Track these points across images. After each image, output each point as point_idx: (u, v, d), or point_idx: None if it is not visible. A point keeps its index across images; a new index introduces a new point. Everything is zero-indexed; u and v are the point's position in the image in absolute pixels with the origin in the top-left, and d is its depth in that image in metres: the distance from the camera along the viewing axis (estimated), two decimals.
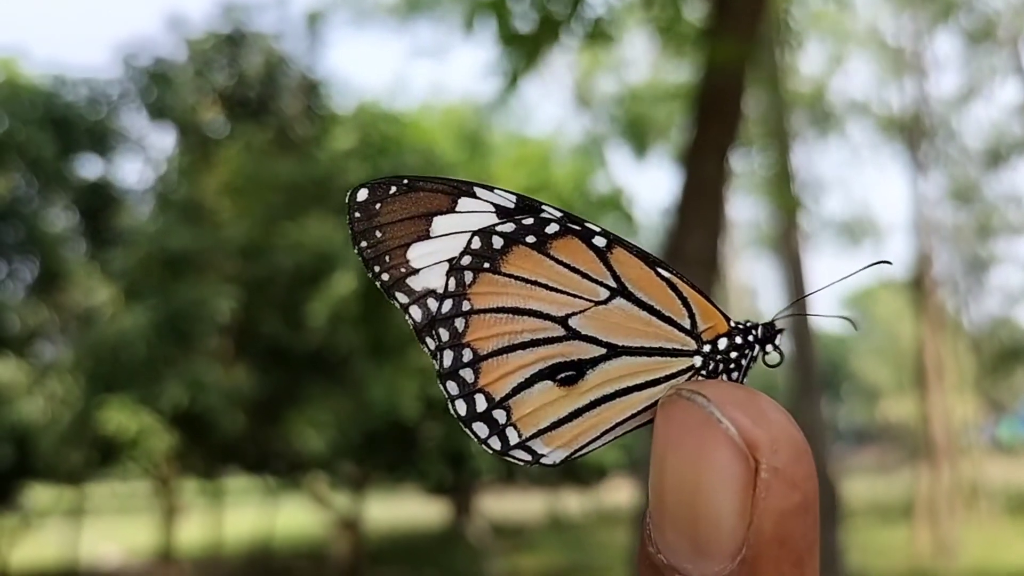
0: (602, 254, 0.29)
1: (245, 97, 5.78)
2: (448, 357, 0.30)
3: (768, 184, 5.55)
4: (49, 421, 5.10)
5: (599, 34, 2.60)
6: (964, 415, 8.88)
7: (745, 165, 6.75)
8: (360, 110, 6.40)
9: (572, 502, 11.19)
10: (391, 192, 0.31)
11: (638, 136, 6.82)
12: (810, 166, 8.56)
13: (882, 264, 0.34)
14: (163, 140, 7.12)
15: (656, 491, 0.21)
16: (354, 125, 5.98)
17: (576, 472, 7.91)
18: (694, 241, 2.31)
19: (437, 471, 6.13)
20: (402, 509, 10.20)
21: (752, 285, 13.42)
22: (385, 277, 0.31)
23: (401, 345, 5.03)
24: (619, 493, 8.65)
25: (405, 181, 0.31)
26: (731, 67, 2.30)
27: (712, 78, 2.35)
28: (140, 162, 6.56)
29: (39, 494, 7.60)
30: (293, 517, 9.42)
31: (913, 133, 7.45)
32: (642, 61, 7.56)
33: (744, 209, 9.79)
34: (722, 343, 0.29)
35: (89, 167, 6.61)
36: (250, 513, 9.02)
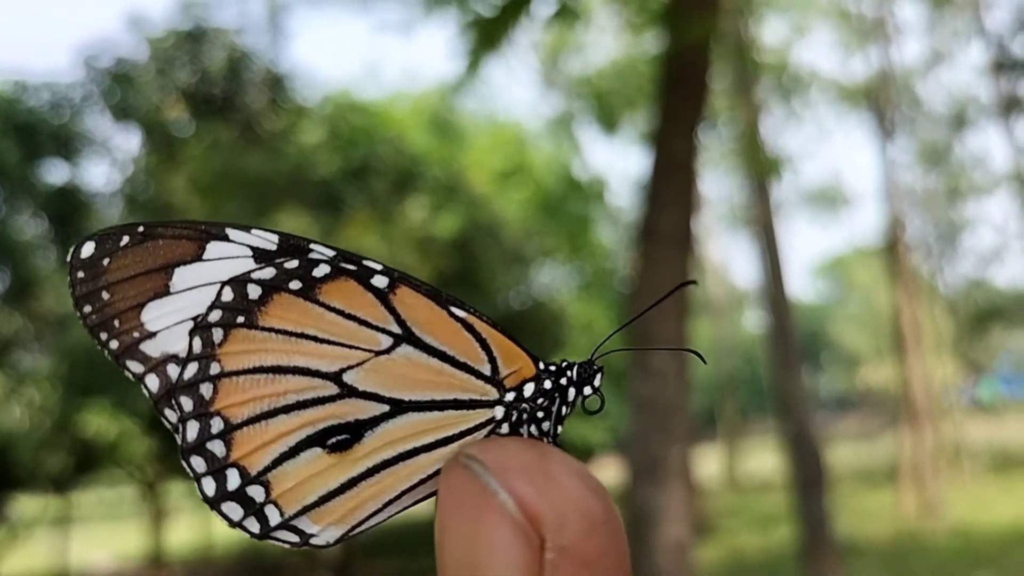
0: (383, 296, 0.26)
1: (209, 94, 5.73)
2: (192, 429, 0.26)
3: (740, 151, 5.57)
4: (28, 429, 5.07)
5: (565, 12, 2.58)
6: (943, 377, 8.96)
7: (715, 140, 6.78)
8: (327, 101, 6.37)
9: None
10: (122, 244, 0.26)
11: (606, 114, 6.81)
12: (779, 137, 8.60)
13: (691, 284, 0.32)
14: (128, 141, 7.05)
15: (440, 572, 0.18)
16: (322, 117, 5.94)
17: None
18: (667, 219, 2.29)
19: None
20: None
21: (727, 262, 13.48)
22: (114, 345, 0.27)
23: None
24: (606, 472, 8.69)
25: (140, 229, 0.26)
26: (695, 42, 2.29)
27: (677, 53, 2.35)
28: (106, 164, 6.50)
29: (25, 504, 7.55)
30: None
31: (879, 100, 7.48)
32: (609, 38, 7.54)
33: (717, 186, 9.83)
34: (528, 389, 0.26)
35: (55, 172, 6.55)
36: None
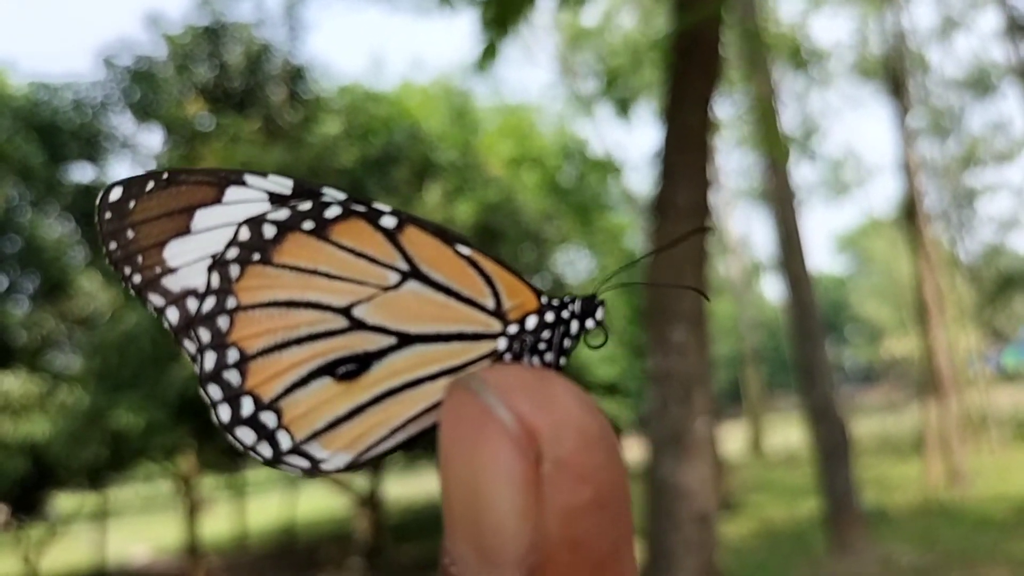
0: (392, 235, 0.27)
1: (229, 88, 5.77)
2: (210, 359, 0.27)
3: (755, 131, 5.56)
4: (63, 427, 5.15)
5: None
6: (967, 346, 8.94)
7: (730, 113, 6.77)
8: (344, 92, 6.40)
9: None
10: (147, 188, 0.28)
11: (620, 95, 6.83)
12: (794, 112, 8.58)
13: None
14: (151, 139, 7.13)
15: (443, 496, 0.19)
16: (340, 108, 5.98)
17: None
18: (683, 194, 2.27)
19: None
20: (420, 486, 10.29)
21: (747, 235, 13.43)
22: (136, 279, 0.28)
23: None
24: (630, 451, 8.74)
25: (164, 175, 0.28)
26: (707, 17, 2.28)
27: (688, 28, 2.33)
28: (130, 163, 6.57)
29: (64, 502, 7.70)
30: (314, 502, 9.53)
31: (895, 70, 7.44)
32: (623, 16, 7.55)
33: (735, 159, 9.81)
34: (530, 322, 0.27)
35: (80, 172, 6.63)
36: (272, 502, 9.12)
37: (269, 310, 0.27)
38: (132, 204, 0.28)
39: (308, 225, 0.27)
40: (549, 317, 0.27)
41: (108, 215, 0.28)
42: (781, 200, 5.28)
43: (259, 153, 5.32)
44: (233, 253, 0.27)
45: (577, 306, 0.27)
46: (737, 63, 4.85)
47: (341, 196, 0.27)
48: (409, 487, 10.28)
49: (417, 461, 8.16)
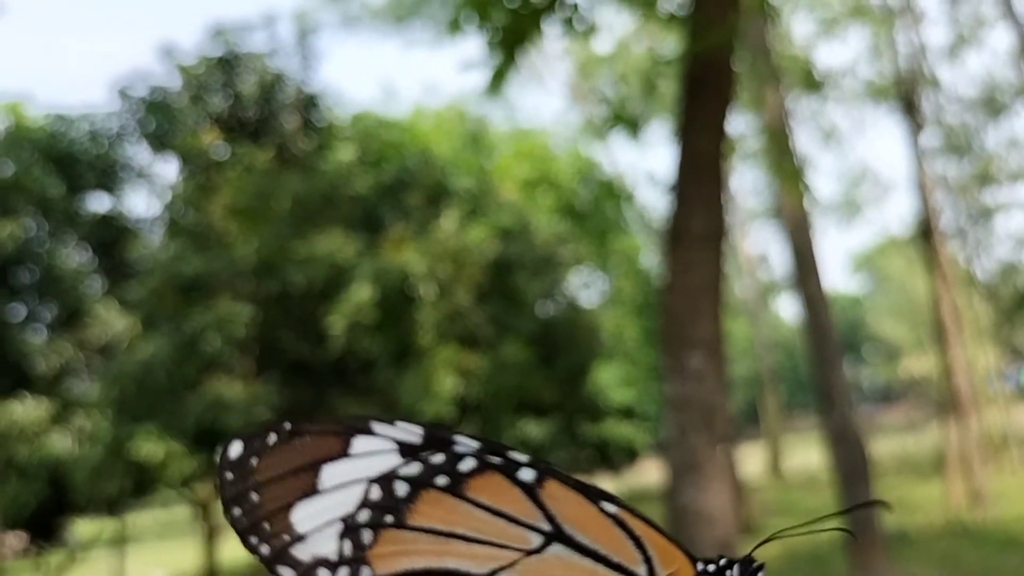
0: (531, 491, 0.24)
1: (243, 118, 5.82)
2: None
3: (768, 158, 5.55)
4: (81, 455, 5.18)
5: (570, 24, 2.55)
6: (986, 365, 8.86)
7: (743, 134, 6.77)
8: (357, 119, 6.44)
9: (604, 485, 11.20)
10: (270, 442, 0.26)
11: (630, 120, 6.84)
12: (807, 134, 8.57)
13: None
14: (167, 169, 7.20)
15: None
16: (353, 135, 6.02)
17: (607, 456, 7.92)
18: (697, 219, 2.26)
19: None
20: None
21: (763, 255, 13.40)
22: (265, 550, 0.26)
23: (426, 347, 5.08)
24: (649, 474, 8.67)
25: (287, 426, 0.26)
26: (718, 43, 2.28)
27: (699, 53, 2.33)
28: (146, 193, 6.64)
29: (81, 527, 7.71)
30: None
31: (908, 89, 7.43)
32: (635, 42, 7.57)
33: (748, 179, 9.80)
34: None
35: (97, 202, 6.69)
36: None
37: None
38: (254, 462, 0.26)
39: (442, 481, 0.25)
40: None
41: (229, 476, 0.26)
42: (795, 220, 5.26)
43: (273, 181, 5.36)
44: (365, 516, 0.25)
45: (736, 572, 0.25)
46: (749, 87, 4.84)
47: (474, 444, 0.25)
48: None
49: None
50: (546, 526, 0.24)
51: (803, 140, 7.97)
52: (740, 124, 6.12)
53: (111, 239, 6.36)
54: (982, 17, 7.94)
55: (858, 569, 4.85)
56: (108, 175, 6.43)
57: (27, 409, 5.47)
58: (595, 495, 0.24)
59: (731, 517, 2.18)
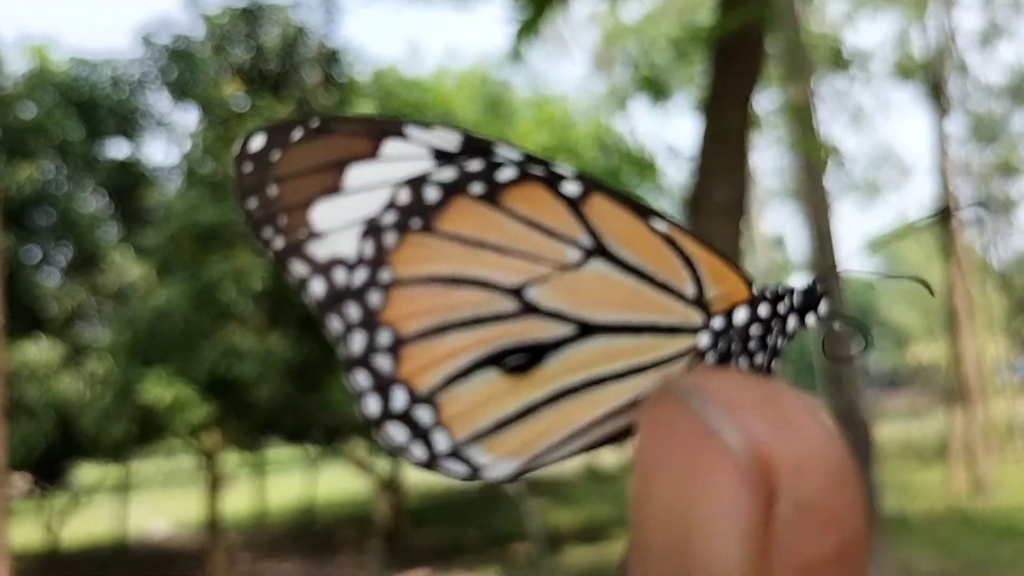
0: (574, 204, 0.23)
1: (265, 70, 5.80)
2: (359, 340, 0.23)
3: (793, 131, 5.51)
4: (90, 399, 5.22)
5: None
6: (995, 355, 8.85)
7: (768, 110, 6.72)
8: (378, 77, 6.41)
9: (609, 455, 11.28)
10: (294, 137, 0.24)
11: (655, 86, 6.79)
12: (833, 112, 8.51)
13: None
14: (186, 118, 7.19)
15: (638, 523, 0.15)
16: (374, 92, 6.00)
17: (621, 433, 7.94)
18: (719, 190, 2.27)
19: None
20: None
21: (780, 234, 13.35)
22: (278, 243, 0.25)
23: None
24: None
25: (315, 122, 0.25)
26: (749, 20, 2.26)
27: (730, 26, 2.32)
28: (165, 141, 6.65)
29: (86, 473, 7.81)
30: (335, 483, 9.59)
31: (936, 73, 7.36)
32: (664, 12, 7.52)
33: (769, 158, 9.75)
34: (740, 315, 0.23)
35: (116, 148, 6.71)
36: (293, 481, 9.20)
37: (429, 286, 0.23)
38: (277, 155, 0.24)
39: (478, 189, 0.23)
40: (763, 311, 0.23)
41: (248, 167, 0.25)
42: (815, 201, 5.23)
43: None
44: (391, 218, 0.23)
45: (797, 298, 0.23)
46: (778, 64, 4.80)
47: (516, 155, 0.23)
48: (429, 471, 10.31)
49: None
50: (587, 241, 0.23)
51: (828, 119, 7.90)
52: (765, 101, 6.08)
53: (129, 185, 6.38)
54: (1020, 4, 7.83)
55: None
56: (128, 121, 6.44)
57: (39, 351, 5.52)
58: (645, 211, 0.23)
59: None
